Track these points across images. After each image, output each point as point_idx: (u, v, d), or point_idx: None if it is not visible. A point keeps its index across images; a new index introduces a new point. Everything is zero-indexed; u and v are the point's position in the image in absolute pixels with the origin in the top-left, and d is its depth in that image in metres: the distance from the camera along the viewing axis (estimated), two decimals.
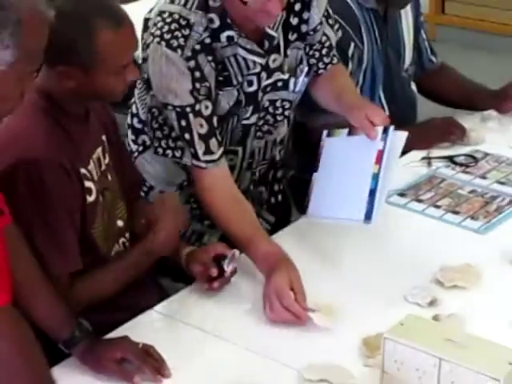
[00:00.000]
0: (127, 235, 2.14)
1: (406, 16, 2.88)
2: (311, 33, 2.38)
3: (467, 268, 2.17)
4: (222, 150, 2.23)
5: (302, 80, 2.39)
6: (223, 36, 2.20)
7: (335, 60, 2.47)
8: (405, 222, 2.40)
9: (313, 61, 2.42)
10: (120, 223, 2.09)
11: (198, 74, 2.16)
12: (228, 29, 2.19)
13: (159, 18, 2.18)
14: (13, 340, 1.57)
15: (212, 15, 2.18)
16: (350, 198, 2.23)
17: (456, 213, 2.44)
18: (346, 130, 2.30)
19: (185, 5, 2.18)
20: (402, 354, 1.72)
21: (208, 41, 2.18)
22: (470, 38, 6.05)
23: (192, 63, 2.15)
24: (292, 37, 2.33)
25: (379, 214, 2.18)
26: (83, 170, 1.97)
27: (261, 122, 2.39)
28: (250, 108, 2.33)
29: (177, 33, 2.15)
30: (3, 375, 1.59)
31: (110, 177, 2.08)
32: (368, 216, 2.17)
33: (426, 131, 2.82)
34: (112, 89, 1.95)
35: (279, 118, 2.41)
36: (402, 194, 2.53)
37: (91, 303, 1.95)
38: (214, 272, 2.08)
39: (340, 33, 2.51)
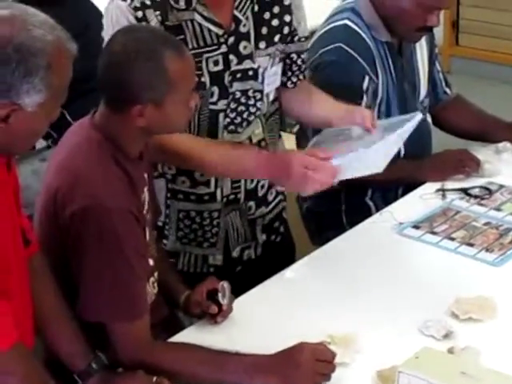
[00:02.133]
0: (156, 275, 2.12)
1: (421, 48, 2.89)
2: (295, 40, 2.41)
3: (482, 300, 2.16)
4: None
5: (269, 70, 2.37)
6: None
7: (301, 80, 2.50)
8: (419, 254, 2.39)
9: (286, 69, 2.45)
10: (151, 262, 2.07)
11: (144, 24, 2.16)
12: None
13: None
14: (21, 376, 1.57)
15: None
16: None
17: (471, 245, 2.43)
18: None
19: None
20: None
21: None
22: (484, 70, 6.06)
23: (139, 14, 2.15)
24: (263, 31, 2.32)
25: None
26: (144, 213, 2.00)
27: (233, 114, 2.35)
28: (216, 90, 2.30)
29: None
30: None
31: (149, 215, 2.08)
32: None
33: (441, 163, 2.82)
34: (181, 118, 2.00)
35: (252, 109, 2.38)
36: (416, 227, 2.52)
37: (167, 373, 1.88)
38: (214, 309, 2.10)
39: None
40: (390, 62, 2.74)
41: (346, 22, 2.67)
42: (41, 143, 3.22)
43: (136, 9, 2.15)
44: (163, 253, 2.35)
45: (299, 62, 2.47)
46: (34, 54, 1.51)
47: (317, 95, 2.49)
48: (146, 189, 2.05)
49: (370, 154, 2.19)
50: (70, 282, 1.91)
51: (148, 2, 2.16)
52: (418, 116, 2.20)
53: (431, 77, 2.97)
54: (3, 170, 1.71)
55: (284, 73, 2.45)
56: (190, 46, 2.21)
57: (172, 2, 2.19)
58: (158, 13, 2.17)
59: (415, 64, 2.86)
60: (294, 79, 2.49)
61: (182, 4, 2.20)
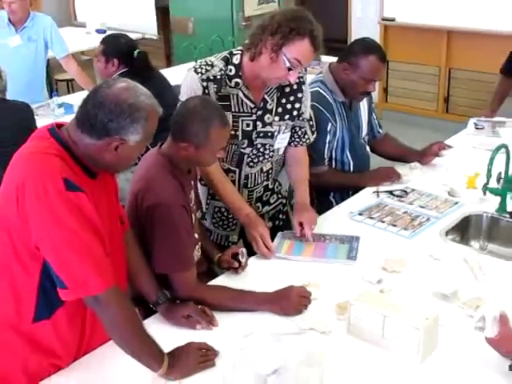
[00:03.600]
0: (199, 244, 2.13)
1: (363, 105, 2.87)
2: (300, 119, 2.37)
3: (401, 260, 2.17)
4: None
5: (280, 135, 2.34)
6: (233, 81, 2.18)
7: (303, 143, 2.45)
8: (362, 231, 2.38)
9: (295, 135, 2.41)
10: (196, 235, 2.08)
11: (206, 91, 2.16)
12: (238, 78, 2.18)
13: (199, 61, 2.24)
14: (118, 307, 1.59)
15: (231, 67, 2.18)
16: None
17: (394, 226, 2.42)
18: None
19: (215, 56, 2.24)
20: (361, 313, 1.74)
21: (218, 77, 2.17)
22: (403, 118, 6.05)
23: (204, 83, 2.16)
24: (279, 110, 2.30)
25: None
26: (191, 206, 2.01)
27: (253, 156, 2.34)
28: (246, 141, 2.28)
29: (202, 66, 2.18)
30: (118, 333, 1.61)
31: (194, 207, 2.09)
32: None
33: (376, 175, 2.80)
34: (208, 161, 2.03)
35: (266, 156, 2.36)
36: (360, 214, 2.52)
37: (207, 304, 1.91)
38: (236, 264, 2.12)
39: (315, 135, 2.49)
40: (344, 114, 2.73)
41: (318, 89, 2.66)
42: None
43: (203, 80, 2.16)
44: (204, 231, 2.35)
45: (300, 133, 2.41)
46: (139, 110, 1.54)
47: (297, 168, 2.46)
48: (192, 191, 2.06)
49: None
50: (146, 249, 1.93)
51: (211, 77, 2.16)
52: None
53: (370, 122, 2.96)
54: (110, 176, 1.75)
55: (289, 137, 2.41)
56: (233, 110, 2.21)
57: (227, 81, 2.18)
58: (215, 86, 2.16)
59: (359, 114, 2.85)
60: (295, 143, 2.43)
61: (233, 84, 2.19)
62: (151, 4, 6.75)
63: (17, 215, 1.51)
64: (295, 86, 2.31)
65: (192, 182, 2.08)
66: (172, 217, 1.87)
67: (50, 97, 4.32)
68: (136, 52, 3.24)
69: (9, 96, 3.18)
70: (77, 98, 4.19)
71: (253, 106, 2.25)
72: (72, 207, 1.50)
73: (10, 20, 4.26)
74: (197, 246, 2.10)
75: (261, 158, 2.36)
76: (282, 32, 2.04)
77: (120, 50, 3.21)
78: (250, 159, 2.34)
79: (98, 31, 6.34)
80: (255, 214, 2.28)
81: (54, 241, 1.50)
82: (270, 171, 2.45)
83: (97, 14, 7.03)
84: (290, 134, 2.39)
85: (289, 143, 2.43)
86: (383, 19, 6.07)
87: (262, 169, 2.40)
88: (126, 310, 1.60)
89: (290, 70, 2.08)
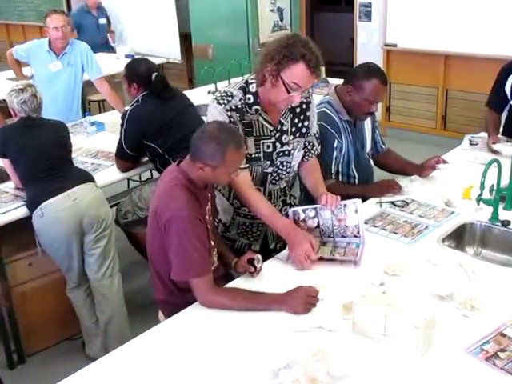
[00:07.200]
0: (216, 250, 2.13)
1: (367, 122, 2.87)
2: (307, 135, 2.38)
3: (401, 264, 2.17)
4: (247, 164, 2.23)
5: (297, 153, 2.37)
6: (253, 108, 2.20)
7: (313, 155, 2.46)
8: (366, 238, 2.36)
9: (305, 150, 2.42)
10: (212, 243, 2.09)
11: (231, 119, 2.17)
12: (257, 105, 2.20)
13: (219, 92, 2.24)
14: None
15: (249, 95, 2.20)
16: None
17: (395, 233, 2.42)
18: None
19: (234, 86, 2.24)
20: (364, 312, 1.74)
21: (240, 106, 2.19)
22: (405, 134, 6.05)
23: (229, 113, 2.17)
24: (293, 130, 2.32)
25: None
26: (206, 218, 2.02)
27: (275, 174, 2.35)
28: (268, 162, 2.30)
29: (224, 97, 2.19)
30: None
31: (210, 218, 2.11)
32: None
33: (379, 187, 2.80)
34: (223, 180, 2.03)
35: (285, 173, 2.38)
36: (365, 223, 2.50)
37: (223, 305, 1.90)
38: (252, 269, 2.11)
39: (320, 148, 2.50)
40: (349, 131, 2.74)
41: (324, 109, 2.67)
42: (156, 175, 3.24)
43: (227, 110, 2.17)
44: (220, 238, 2.36)
45: (309, 147, 2.43)
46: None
47: (312, 174, 2.47)
48: (209, 203, 2.08)
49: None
50: (166, 258, 1.94)
51: (233, 107, 2.18)
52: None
53: (373, 138, 2.96)
54: None
55: (305, 151, 2.43)
56: (255, 134, 2.23)
57: (248, 109, 2.20)
58: (238, 115, 2.18)
59: (363, 132, 2.85)
60: (306, 157, 2.45)
61: (253, 111, 2.21)
62: (175, 31, 6.82)
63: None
64: (304, 106, 2.33)
65: (209, 195, 2.10)
66: (186, 228, 1.88)
67: (83, 116, 4.38)
68: (154, 75, 3.23)
69: (48, 115, 3.22)
70: (107, 117, 4.25)
71: (272, 128, 2.27)
72: None
73: (50, 47, 4.34)
74: (214, 253, 2.11)
75: (281, 176, 2.38)
76: (277, 59, 2.06)
77: (139, 75, 3.21)
78: (272, 177, 2.36)
79: (127, 56, 6.42)
80: (294, 225, 2.23)
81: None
82: (286, 187, 2.48)
83: (126, 40, 7.13)
84: (303, 150, 2.41)
85: (301, 159, 2.44)
86: (386, 45, 6.09)
87: (279, 188, 2.43)
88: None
89: (289, 92, 2.09)
